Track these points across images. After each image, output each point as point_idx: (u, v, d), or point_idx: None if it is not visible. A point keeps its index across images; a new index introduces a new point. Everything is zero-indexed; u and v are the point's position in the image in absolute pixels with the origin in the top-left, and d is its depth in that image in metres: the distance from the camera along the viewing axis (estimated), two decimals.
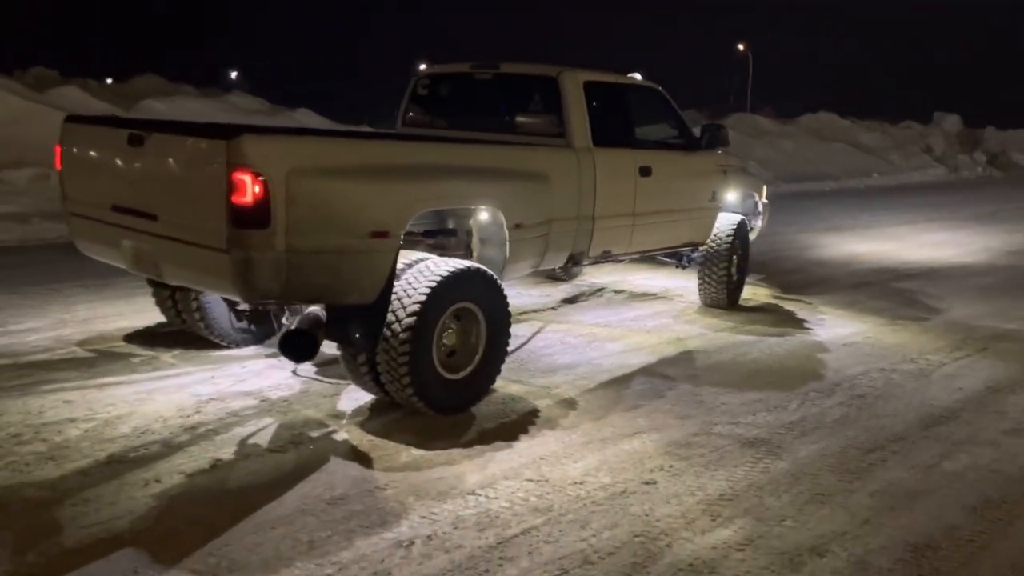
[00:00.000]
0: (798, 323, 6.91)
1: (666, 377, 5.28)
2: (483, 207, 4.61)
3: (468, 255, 4.81)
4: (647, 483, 3.72)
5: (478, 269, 4.40)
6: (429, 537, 3.18)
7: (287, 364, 5.14)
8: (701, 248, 6.86)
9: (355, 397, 4.64)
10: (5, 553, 2.95)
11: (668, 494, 3.62)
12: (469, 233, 4.82)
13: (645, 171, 5.82)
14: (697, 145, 6.42)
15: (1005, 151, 39.13)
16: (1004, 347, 6.40)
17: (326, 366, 5.11)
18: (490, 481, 3.67)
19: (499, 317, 4.54)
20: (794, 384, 5.23)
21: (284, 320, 5.04)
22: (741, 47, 62.10)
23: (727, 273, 6.93)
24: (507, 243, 4.71)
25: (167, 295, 5.29)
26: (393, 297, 4.08)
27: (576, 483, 3.69)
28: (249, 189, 3.58)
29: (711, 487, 3.71)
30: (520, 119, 5.65)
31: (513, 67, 5.76)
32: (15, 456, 3.72)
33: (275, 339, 5.49)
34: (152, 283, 5.25)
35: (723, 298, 7.02)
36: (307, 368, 5.09)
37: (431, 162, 4.36)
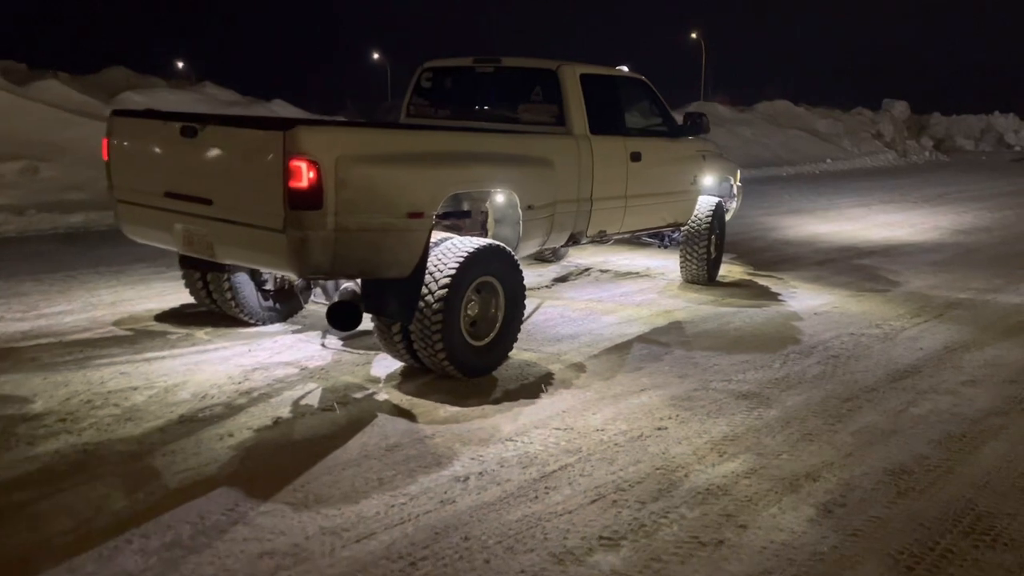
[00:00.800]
0: (772, 296, 7.52)
1: (661, 344, 5.82)
2: (501, 190, 5.09)
3: (484, 235, 5.29)
4: (659, 428, 4.25)
5: (498, 246, 4.89)
6: (480, 474, 3.67)
7: (315, 338, 5.59)
8: (683, 228, 7.41)
9: (385, 365, 5.10)
10: (119, 493, 3.38)
11: (679, 437, 4.16)
12: (484, 214, 5.29)
13: (636, 157, 6.34)
14: (680, 132, 6.97)
15: (950, 136, 40.58)
16: (958, 314, 7.06)
17: (352, 339, 5.57)
18: (523, 430, 4.17)
19: (516, 290, 5.04)
20: (775, 347, 5.81)
21: (313, 297, 5.50)
22: (694, 35, 63.03)
23: (707, 251, 7.50)
24: (520, 223, 5.20)
25: (197, 277, 5.69)
26: (427, 272, 4.55)
27: (598, 430, 4.21)
28: (304, 175, 4.02)
29: (714, 431, 4.25)
30: (522, 109, 6.13)
31: (514, 61, 6.24)
32: (94, 418, 4.13)
33: (297, 315, 5.95)
34: (184, 266, 5.64)
35: (703, 274, 7.59)
36: (334, 341, 5.54)
37: (458, 150, 4.84)
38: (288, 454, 3.83)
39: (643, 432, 4.19)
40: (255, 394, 4.54)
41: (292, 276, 4.89)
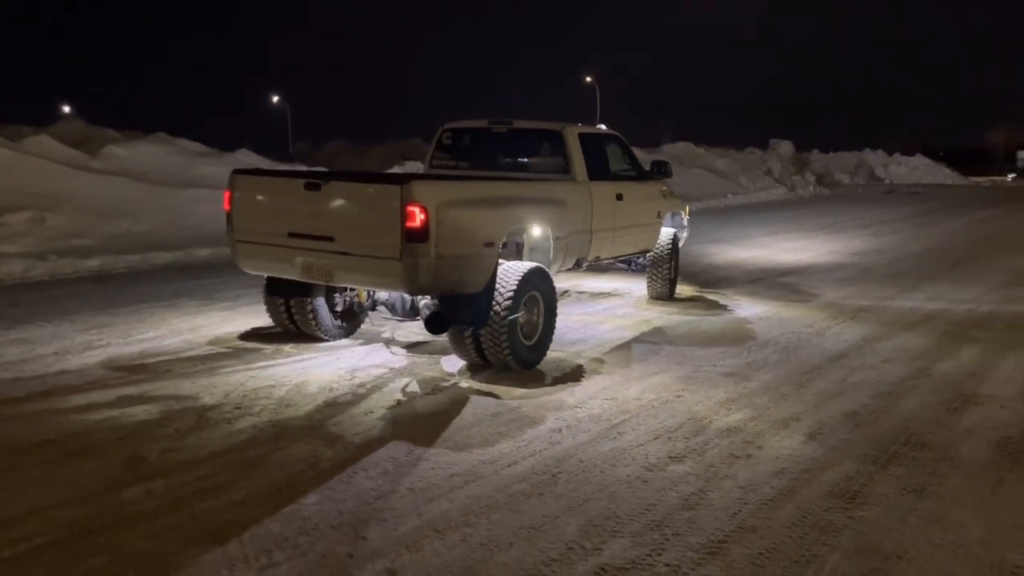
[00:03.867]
0: (722, 307, 9.24)
1: (653, 343, 7.41)
2: (539, 224, 6.59)
3: (519, 259, 6.77)
4: (678, 396, 5.80)
5: (541, 268, 6.38)
6: (568, 427, 5.12)
7: (380, 348, 6.92)
8: (648, 254, 9.07)
9: (452, 363, 6.49)
10: (323, 448, 4.68)
11: (695, 400, 5.71)
12: (520, 244, 6.77)
13: (620, 197, 7.96)
14: (647, 176, 8.64)
15: (828, 171, 44.37)
16: (866, 315, 8.92)
17: (413, 347, 6.94)
18: (582, 401, 5.65)
19: (551, 301, 6.54)
20: (739, 342, 7.48)
21: (369, 319, 6.83)
22: (589, 79, 66.19)
23: (669, 272, 9.18)
24: (551, 250, 6.72)
25: (281, 303, 6.95)
26: (496, 289, 5.99)
27: (636, 399, 5.72)
28: (418, 216, 5.44)
29: (718, 396, 5.82)
30: (533, 162, 7.67)
31: (523, 123, 7.78)
32: (260, 406, 5.38)
33: (358, 330, 7.25)
34: (269, 293, 6.89)
35: (666, 291, 9.26)
36: (399, 349, 6.90)
37: (513, 194, 6.35)
38: (422, 422, 5.19)
39: (668, 399, 5.73)
40: (368, 386, 5.87)
41: (401, 293, 6.22)
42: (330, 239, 5.79)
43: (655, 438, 4.95)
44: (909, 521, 3.89)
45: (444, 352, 6.83)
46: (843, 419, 5.36)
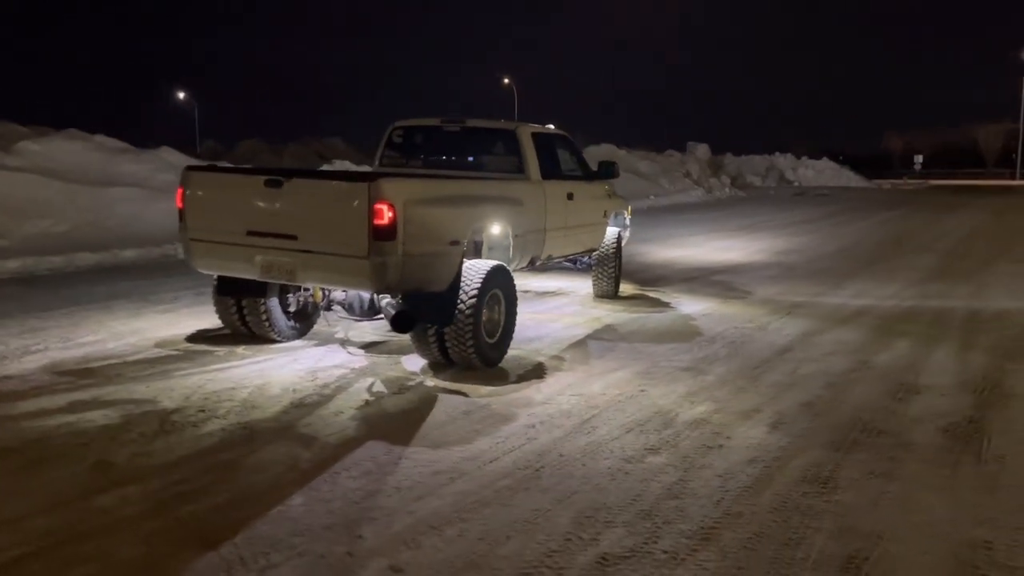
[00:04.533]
0: (665, 304, 9.44)
1: (606, 340, 7.53)
2: (499, 223, 6.62)
3: (478, 258, 6.77)
4: (641, 390, 5.91)
5: (503, 266, 6.40)
6: (541, 423, 5.17)
7: (337, 349, 6.84)
8: (594, 253, 9.20)
9: (412, 363, 6.45)
10: (298, 449, 4.61)
11: (658, 395, 5.83)
12: (478, 243, 6.78)
13: (570, 196, 8.06)
14: (594, 176, 8.77)
15: (741, 174, 45.75)
16: (802, 311, 9.25)
17: (369, 347, 6.88)
18: (550, 397, 5.70)
19: (512, 299, 6.57)
20: (688, 338, 7.66)
21: (321, 317, 6.76)
22: (506, 80, 66.54)
23: (614, 271, 9.33)
24: (511, 248, 6.75)
25: (232, 303, 6.79)
26: (461, 287, 5.99)
27: (601, 395, 5.80)
28: (386, 214, 5.40)
29: (680, 390, 5.96)
30: (487, 161, 7.70)
31: (477, 122, 7.80)
32: (225, 408, 5.25)
33: (311, 331, 7.14)
34: (220, 294, 6.72)
35: (611, 290, 9.41)
36: (356, 350, 6.83)
37: (476, 193, 6.36)
38: (394, 421, 5.16)
39: (632, 393, 5.84)
40: (332, 387, 5.79)
41: (367, 292, 6.13)
42: (293, 237, 5.69)
43: (627, 431, 5.03)
44: (881, 504, 4.07)
45: (403, 351, 6.79)
46: (800, 409, 5.56)
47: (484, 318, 6.26)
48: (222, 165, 6.68)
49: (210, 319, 7.78)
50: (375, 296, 6.32)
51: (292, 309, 6.93)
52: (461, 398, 5.62)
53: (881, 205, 32.79)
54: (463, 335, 5.98)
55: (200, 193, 6.05)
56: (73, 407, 5.19)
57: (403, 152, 8.08)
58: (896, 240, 18.30)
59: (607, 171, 8.65)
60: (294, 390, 5.68)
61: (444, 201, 5.92)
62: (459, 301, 5.96)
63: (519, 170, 7.49)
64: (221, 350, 6.69)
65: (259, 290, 6.51)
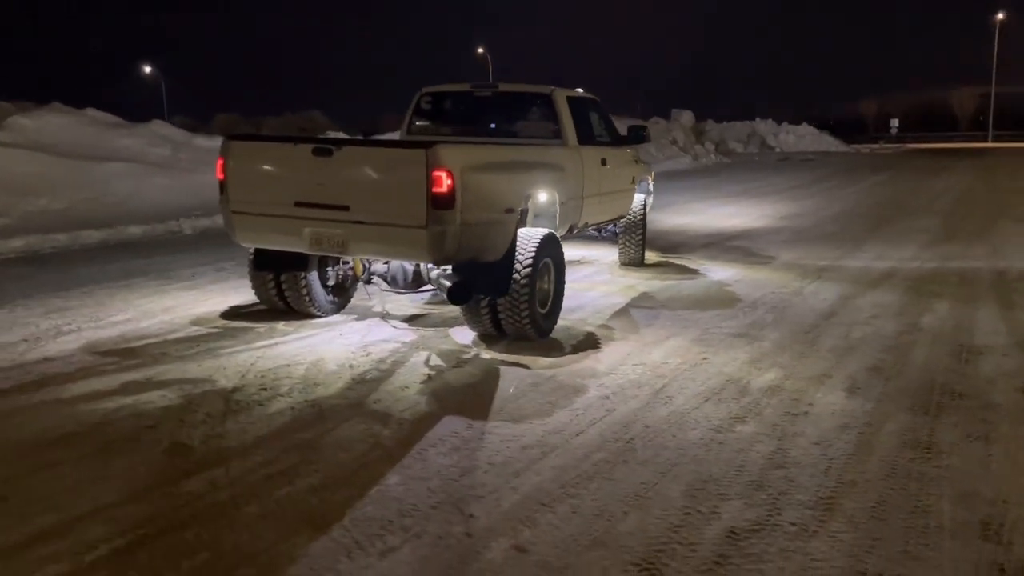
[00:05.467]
0: (693, 271, 9.32)
1: (647, 307, 7.39)
2: (546, 190, 6.43)
3: (523, 226, 6.58)
4: (703, 358, 5.78)
5: (553, 234, 6.22)
6: (614, 394, 5.03)
7: (380, 323, 6.64)
8: (622, 220, 9.03)
9: (460, 335, 6.28)
10: (377, 426, 4.43)
11: (722, 362, 5.71)
12: (524, 211, 6.59)
13: (604, 162, 7.87)
14: (623, 141, 8.58)
15: (723, 140, 45.68)
16: (830, 275, 9.17)
17: (411, 320, 6.70)
18: (613, 368, 5.56)
19: (561, 268, 6.40)
20: (728, 304, 7.54)
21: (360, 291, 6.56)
22: (480, 50, 66.01)
23: (641, 238, 9.18)
24: (557, 215, 6.57)
25: (270, 279, 6.56)
26: (516, 256, 5.81)
27: (663, 363, 5.67)
28: (444, 182, 5.20)
29: (741, 357, 5.84)
30: (522, 126, 7.48)
31: (509, 86, 7.57)
32: (286, 386, 5.06)
33: (348, 305, 6.93)
34: (257, 268, 6.48)
35: (639, 257, 9.27)
36: (400, 324, 6.64)
37: (527, 159, 6.15)
38: (462, 395, 4.99)
39: (695, 361, 5.71)
40: (388, 362, 5.61)
41: (423, 263, 5.92)
42: (344, 208, 5.47)
43: (705, 400, 4.91)
44: (991, 467, 3.98)
45: (447, 324, 6.63)
46: (870, 374, 5.46)
47: (536, 288, 6.10)
48: (265, 134, 6.37)
49: (238, 295, 7.57)
50: (425, 268, 6.13)
51: (331, 283, 6.72)
52: (523, 370, 5.47)
53: (866, 169, 32.87)
54: (518, 306, 5.81)
55: (243, 164, 5.79)
56: (127, 389, 4.97)
57: (432, 119, 7.85)
58: (893, 203, 18.32)
59: (637, 135, 8.46)
60: (351, 366, 5.49)
61: (499, 167, 5.73)
62: (514, 271, 5.78)
63: (555, 136, 7.29)
64: (261, 326, 6.47)
65: (300, 264, 6.29)
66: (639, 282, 8.57)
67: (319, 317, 6.72)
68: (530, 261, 5.81)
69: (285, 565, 3.07)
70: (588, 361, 5.68)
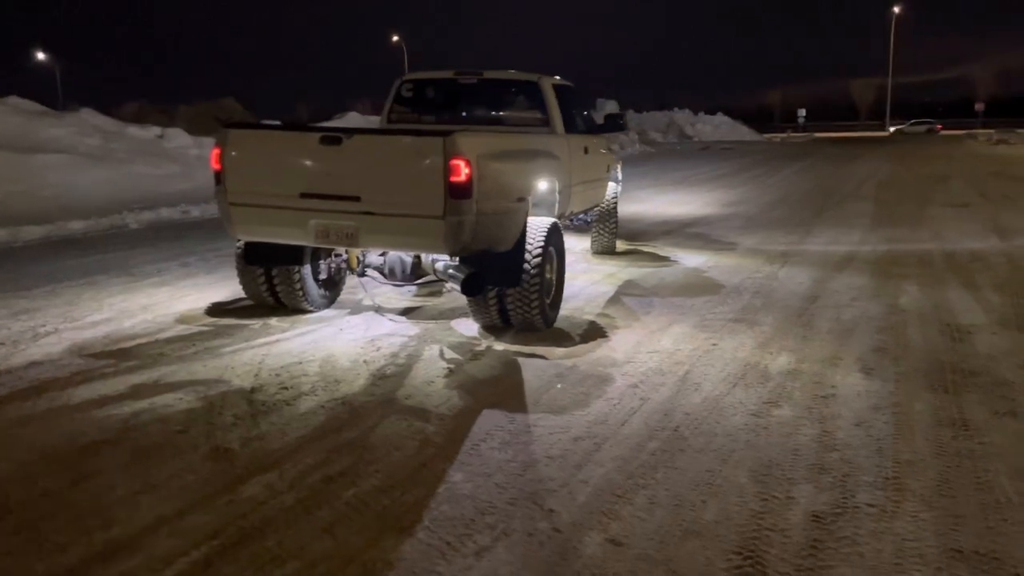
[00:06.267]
0: (665, 259, 9.40)
1: (637, 295, 7.41)
2: (548, 178, 6.36)
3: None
4: (713, 344, 5.83)
5: (557, 223, 6.17)
6: (641, 381, 5.02)
7: (376, 317, 6.48)
8: (595, 209, 9.04)
9: (462, 326, 6.18)
10: (418, 423, 4.31)
11: (732, 347, 5.76)
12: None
13: (586, 150, 7.85)
14: (601, 129, 8.57)
15: (644, 130, 46.36)
16: (794, 259, 9.39)
17: (407, 312, 6.55)
18: (629, 356, 5.54)
19: (563, 257, 6.36)
20: (712, 290, 7.63)
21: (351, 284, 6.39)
22: (396, 38, 65.38)
23: (614, 227, 9.21)
24: (556, 204, 6.51)
25: (260, 274, 6.31)
26: (526, 246, 5.73)
27: (676, 350, 5.69)
28: (463, 171, 5.08)
29: (748, 342, 5.91)
30: (509, 114, 7.38)
31: (495, 73, 7.46)
32: (306, 384, 4.88)
33: (336, 299, 6.74)
34: (248, 262, 6.22)
35: (612, 245, 9.30)
36: (397, 317, 6.49)
37: (534, 148, 6.06)
38: (490, 387, 4.90)
39: (706, 348, 5.75)
40: (401, 357, 5.47)
41: (439, 254, 5.75)
42: (355, 199, 5.29)
43: (733, 386, 4.95)
44: None
45: (445, 316, 6.52)
46: (877, 355, 5.59)
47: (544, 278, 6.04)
48: (267, 123, 6.12)
49: (215, 291, 7.29)
50: (429, 259, 5.99)
51: (323, 277, 6.52)
52: (542, 361, 5.41)
53: (784, 158, 33.89)
54: (529, 296, 5.74)
55: (242, 153, 5.53)
56: (137, 392, 4.71)
57: (414, 107, 7.68)
58: (822, 190, 18.90)
59: (614, 124, 8.46)
60: (364, 361, 5.33)
61: (512, 156, 5.64)
62: (524, 261, 5.70)
63: (543, 124, 7.23)
64: (254, 323, 6.23)
65: (295, 257, 6.08)
66: (618, 270, 8.60)
67: (311, 312, 6.51)
68: (539, 251, 5.75)
69: (384, 570, 2.94)
70: (603, 350, 5.66)
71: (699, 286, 7.82)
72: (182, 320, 6.33)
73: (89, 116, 15.11)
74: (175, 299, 7.05)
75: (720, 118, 52.23)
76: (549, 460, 3.88)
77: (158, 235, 10.86)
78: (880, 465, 3.83)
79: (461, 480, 3.66)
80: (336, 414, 4.41)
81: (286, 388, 4.79)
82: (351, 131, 5.35)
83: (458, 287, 5.56)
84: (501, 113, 7.49)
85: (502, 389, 4.86)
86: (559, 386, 4.89)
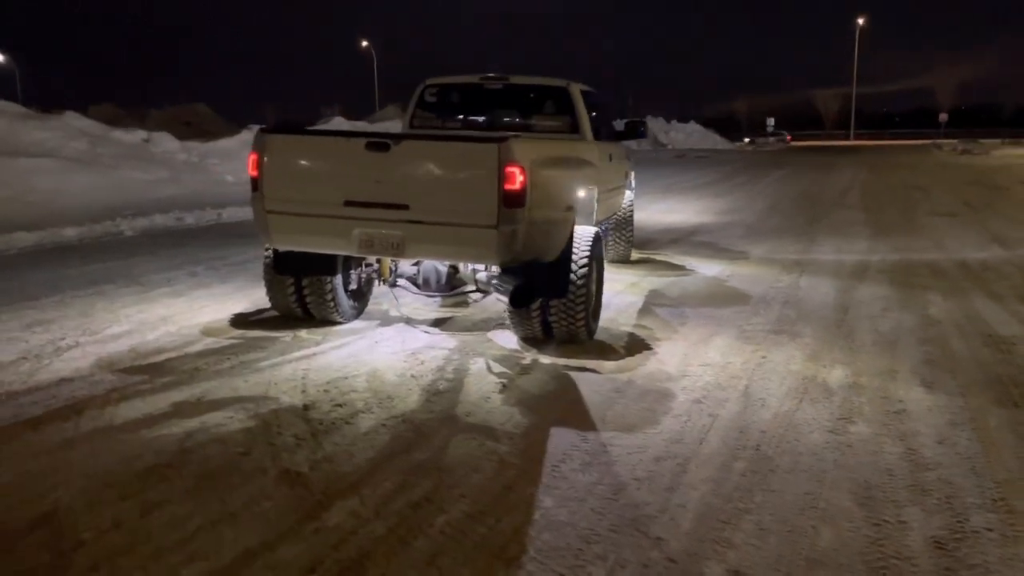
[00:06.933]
0: (681, 267, 9.29)
1: (668, 306, 7.27)
2: (589, 186, 6.19)
3: None
4: (763, 357, 5.69)
5: (598, 232, 6.01)
6: (704, 397, 4.86)
7: (408, 328, 6.26)
8: (613, 217, 8.90)
9: (500, 338, 5.98)
10: (489, 442, 4.11)
11: (782, 360, 5.63)
12: None
13: (610, 158, 7.71)
14: (622, 136, 8.43)
15: None
16: (809, 269, 9.32)
17: (438, 324, 6.35)
18: (682, 370, 5.38)
19: (602, 267, 6.19)
20: (740, 300, 7.51)
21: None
22: (365, 43, 65.03)
23: (631, 234, 9.07)
24: (594, 212, 6.35)
25: (290, 283, 6.06)
26: (573, 255, 5.56)
27: (727, 363, 5.54)
28: (517, 178, 4.90)
29: (796, 355, 5.78)
30: (537, 120, 7.21)
31: (522, 79, 7.29)
32: (359, 401, 4.65)
33: (364, 310, 6.51)
34: (278, 272, 5.97)
35: (627, 254, 9.16)
36: (431, 328, 6.28)
37: (578, 155, 5.89)
38: (549, 404, 4.70)
39: (758, 361, 5.61)
40: (448, 371, 5.26)
41: (490, 264, 5.54)
42: (403, 207, 5.08)
43: (799, 401, 4.81)
44: None
45: (478, 327, 6.36)
46: (929, 367, 5.49)
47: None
48: (307, 127, 5.88)
49: (234, 302, 7.05)
50: (469, 269, 5.80)
51: (352, 287, 6.29)
52: (595, 375, 5.23)
53: (762, 166, 34.15)
54: (575, 308, 5.57)
55: (282, 159, 5.29)
56: (182, 411, 4.45)
57: (438, 112, 7.47)
58: (807, 198, 18.99)
59: (634, 131, 8.33)
60: (412, 375, 5.12)
61: (560, 163, 5.47)
62: (571, 271, 5.53)
63: (573, 130, 7.06)
64: (284, 335, 5.98)
65: (329, 267, 5.84)
66: (638, 279, 8.46)
67: (340, 324, 6.27)
68: (585, 260, 5.58)
69: None
70: (652, 363, 5.50)
71: (725, 296, 7.70)
72: (208, 332, 6.06)
73: (74, 119, 14.66)
74: (193, 310, 6.77)
75: (692, 126, 52.60)
76: (637, 483, 3.70)
77: (156, 242, 10.51)
78: (980, 485, 3.71)
79: (553, 505, 3.47)
80: (400, 433, 4.20)
81: (339, 405, 4.56)
82: (399, 136, 5.14)
83: (506, 299, 5.37)
84: (529, 120, 7.31)
85: (563, 405, 4.68)
86: (622, 402, 4.72)
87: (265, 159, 5.27)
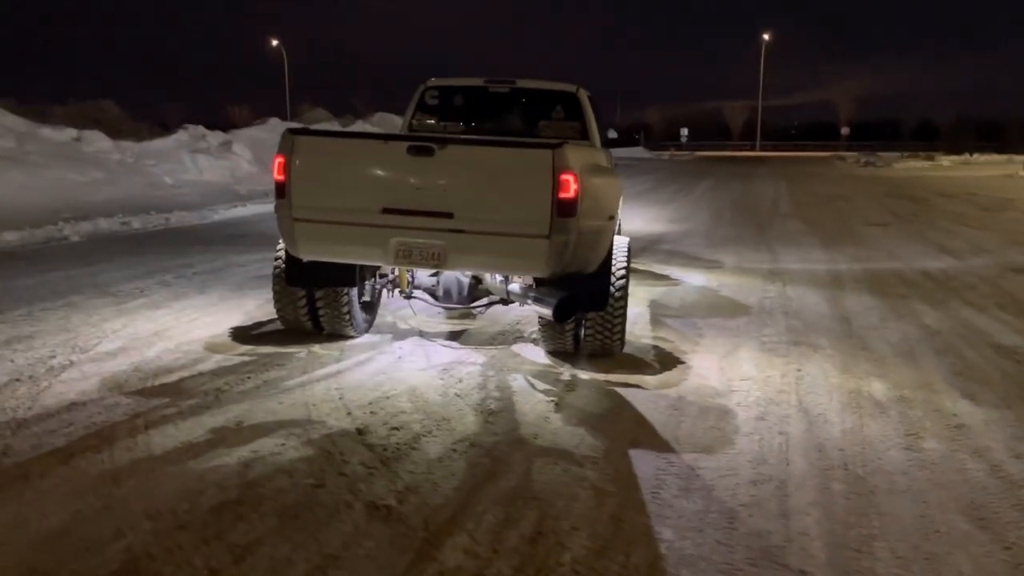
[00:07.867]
0: (665, 277, 9.21)
1: (675, 316, 7.14)
2: (621, 194, 5.99)
3: None
4: (798, 370, 5.61)
5: (629, 241, 5.83)
6: (763, 414, 4.70)
7: (424, 341, 5.95)
8: None
9: (527, 352, 5.74)
10: (572, 469, 3.87)
11: (818, 373, 5.55)
12: None
13: (615, 165, 7.55)
14: (614, 143, 8.28)
15: None
16: (788, 277, 9.37)
17: (452, 337, 6.06)
18: (727, 385, 5.23)
19: (629, 277, 6.01)
20: (743, 311, 7.45)
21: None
22: (275, 42, 63.82)
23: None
24: (621, 221, 6.16)
25: (302, 295, 5.68)
26: (612, 267, 5.37)
27: (767, 377, 5.43)
28: (572, 186, 4.67)
29: (828, 367, 5.71)
30: (545, 125, 6.98)
31: (529, 83, 7.05)
32: (414, 423, 4.33)
33: (374, 322, 6.17)
34: (289, 284, 5.58)
35: None
36: (449, 341, 5.98)
37: (610, 164, 5.69)
38: (610, 423, 4.49)
39: (796, 375, 5.50)
40: (490, 388, 4.98)
41: (538, 275, 5.25)
42: (447, 215, 4.78)
43: (857, 416, 4.73)
44: None
45: (497, 341, 6.10)
46: (960, 379, 5.49)
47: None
48: (338, 130, 5.47)
49: (226, 315, 6.64)
50: (498, 281, 5.53)
51: (365, 299, 5.93)
52: (642, 391, 5.05)
53: (686, 175, 34.76)
54: (613, 321, 5.38)
55: (313, 163, 4.91)
56: (224, 439, 4.06)
57: (439, 115, 7.17)
58: (743, 208, 19.27)
59: (628, 139, 8.22)
60: (456, 394, 4.83)
61: (603, 171, 5.27)
62: (611, 283, 5.34)
63: (582, 136, 6.87)
64: (297, 351, 5.59)
65: (348, 278, 5.48)
66: (631, 290, 8.30)
67: (353, 338, 5.91)
68: (623, 271, 5.40)
69: None
70: (694, 378, 5.35)
71: (724, 306, 7.64)
72: (213, 349, 5.61)
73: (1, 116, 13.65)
74: (183, 323, 6.28)
75: (612, 134, 53.12)
76: (747, 510, 3.53)
77: (108, 249, 9.82)
78: None
79: (674, 537, 3.26)
80: (473, 459, 3.91)
81: (396, 428, 4.23)
82: (444, 140, 4.83)
83: (548, 312, 5.11)
84: (535, 123, 7.08)
85: (628, 425, 4.47)
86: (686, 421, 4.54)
87: (295, 162, 4.88)
